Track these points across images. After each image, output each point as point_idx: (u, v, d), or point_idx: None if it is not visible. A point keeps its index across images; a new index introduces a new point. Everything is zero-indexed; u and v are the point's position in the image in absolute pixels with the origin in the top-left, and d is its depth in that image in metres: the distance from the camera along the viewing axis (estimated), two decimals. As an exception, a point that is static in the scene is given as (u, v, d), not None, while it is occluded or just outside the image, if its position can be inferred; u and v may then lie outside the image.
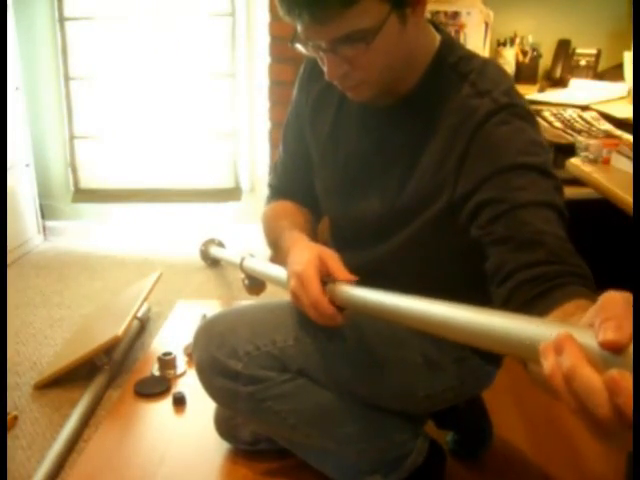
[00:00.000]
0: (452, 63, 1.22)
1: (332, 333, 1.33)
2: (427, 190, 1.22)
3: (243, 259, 2.25)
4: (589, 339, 0.56)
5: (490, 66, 1.25)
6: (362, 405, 1.44)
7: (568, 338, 0.56)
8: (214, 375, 1.40)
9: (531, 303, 0.90)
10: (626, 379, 0.51)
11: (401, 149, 1.26)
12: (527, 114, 1.16)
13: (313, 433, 1.44)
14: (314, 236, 1.43)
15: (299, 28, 1.10)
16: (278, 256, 1.43)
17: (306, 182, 1.50)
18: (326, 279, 1.18)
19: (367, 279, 1.21)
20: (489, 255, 1.05)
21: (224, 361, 1.37)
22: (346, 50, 1.09)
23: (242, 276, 2.21)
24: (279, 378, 1.37)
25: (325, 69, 1.15)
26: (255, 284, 2.08)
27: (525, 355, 0.66)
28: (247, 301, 2.71)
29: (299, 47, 1.16)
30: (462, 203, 1.15)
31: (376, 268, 1.35)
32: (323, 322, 1.19)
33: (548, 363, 0.57)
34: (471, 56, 1.24)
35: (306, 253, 1.23)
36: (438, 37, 1.23)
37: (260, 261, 1.94)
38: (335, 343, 1.37)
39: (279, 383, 1.37)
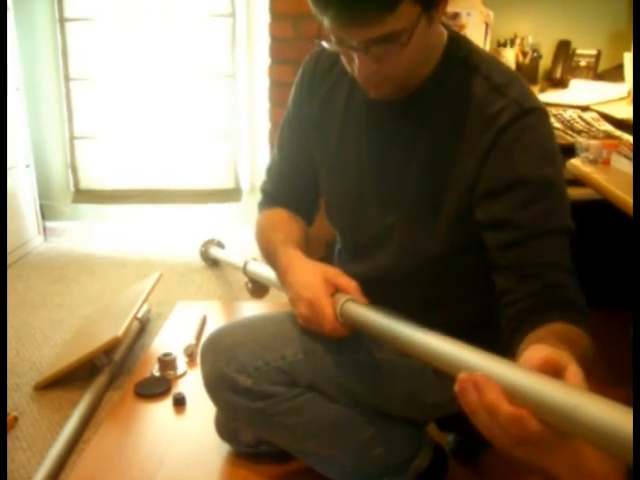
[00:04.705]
0: (462, 57, 1.23)
1: (341, 344, 1.33)
2: (445, 186, 1.23)
3: (246, 263, 2.25)
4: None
5: (496, 60, 1.28)
6: (370, 414, 1.43)
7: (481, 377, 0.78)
8: (223, 390, 1.39)
9: (520, 329, 1.08)
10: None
11: (415, 143, 1.26)
12: (546, 115, 1.20)
13: (322, 443, 1.44)
14: (306, 246, 1.44)
15: (329, 26, 1.08)
16: (274, 271, 1.44)
17: (303, 187, 1.50)
18: (334, 300, 1.22)
19: (377, 286, 1.27)
20: (497, 274, 1.18)
21: (233, 377, 1.35)
22: (378, 50, 1.08)
23: (245, 280, 2.22)
24: (289, 393, 1.36)
25: (353, 67, 1.14)
26: (259, 288, 2.08)
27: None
28: (248, 302, 2.72)
29: (325, 44, 1.15)
30: (479, 201, 1.19)
31: (386, 274, 1.36)
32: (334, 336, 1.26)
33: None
34: (478, 50, 1.26)
35: (310, 275, 1.25)
36: (445, 32, 1.24)
37: (263, 265, 1.93)
38: (345, 354, 1.36)
39: (289, 398, 1.36)
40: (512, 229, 1.15)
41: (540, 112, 1.18)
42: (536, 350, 0.79)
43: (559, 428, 0.71)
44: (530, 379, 0.75)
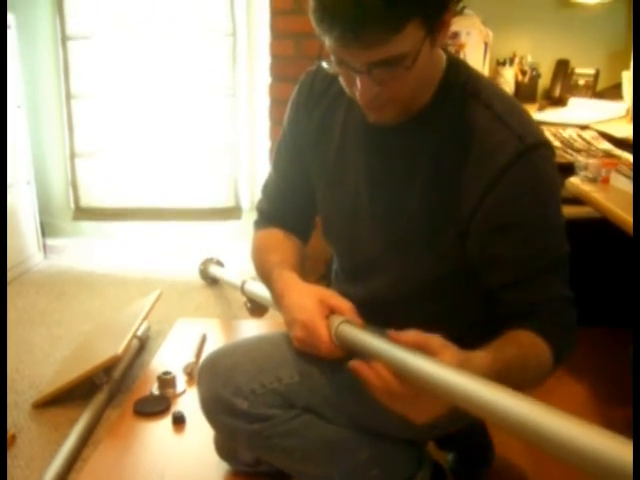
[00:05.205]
0: (461, 82, 1.23)
1: (337, 366, 1.32)
2: (445, 211, 1.23)
3: (244, 282, 2.25)
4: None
5: (495, 86, 1.29)
6: (368, 434, 1.42)
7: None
8: (219, 413, 1.38)
9: None
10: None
11: (414, 167, 1.26)
12: (547, 148, 1.20)
13: (320, 464, 1.43)
14: (302, 266, 1.44)
15: (332, 47, 1.07)
16: (270, 293, 1.44)
17: (299, 206, 1.50)
18: (329, 322, 1.23)
19: (375, 306, 1.29)
20: (495, 307, 1.26)
21: (229, 400, 1.35)
22: (381, 73, 1.08)
23: (244, 299, 2.21)
24: (285, 416, 1.35)
25: (353, 90, 1.14)
26: (258, 307, 2.07)
27: None
28: (247, 321, 2.71)
29: (325, 65, 1.16)
30: (475, 231, 1.21)
31: (384, 295, 1.36)
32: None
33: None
34: (477, 75, 1.27)
35: (305, 298, 1.26)
36: (444, 56, 1.24)
37: (260, 285, 1.93)
38: (341, 376, 1.35)
39: (285, 420, 1.35)
40: (508, 270, 1.21)
41: (542, 147, 1.18)
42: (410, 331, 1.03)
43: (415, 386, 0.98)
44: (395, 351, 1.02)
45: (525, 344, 1.15)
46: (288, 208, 1.52)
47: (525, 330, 1.17)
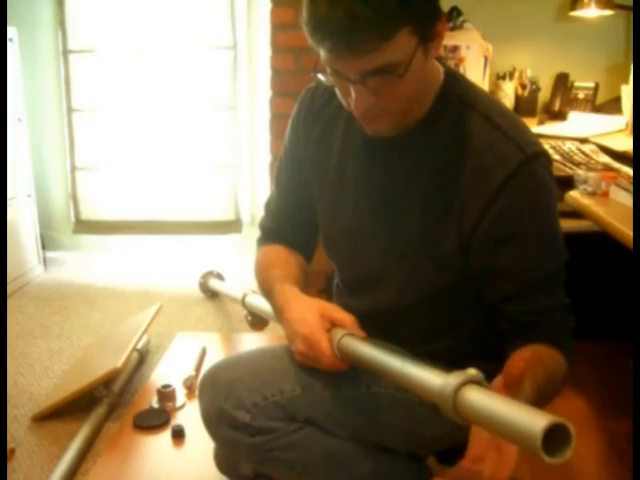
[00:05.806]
0: (459, 94, 1.23)
1: (339, 379, 1.32)
2: (446, 222, 1.23)
3: (245, 295, 2.25)
4: None
5: (493, 98, 1.30)
6: (369, 448, 1.42)
7: None
8: (221, 426, 1.37)
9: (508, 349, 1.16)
10: None
11: (414, 180, 1.26)
12: (546, 158, 1.21)
13: (321, 478, 1.42)
14: (304, 281, 1.44)
15: (326, 58, 1.09)
16: (272, 308, 1.44)
17: (301, 223, 1.50)
18: (331, 335, 1.23)
19: (378, 319, 1.29)
20: (497, 320, 1.27)
21: (231, 412, 1.33)
22: (375, 82, 1.09)
23: (245, 312, 2.21)
24: (287, 428, 1.34)
25: (349, 101, 1.15)
26: (258, 320, 2.07)
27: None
28: (247, 334, 2.71)
29: (321, 77, 1.17)
30: (478, 243, 1.21)
31: (387, 307, 1.36)
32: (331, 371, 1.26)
33: None
34: (475, 89, 1.27)
35: (306, 311, 1.26)
36: (441, 68, 1.25)
37: (261, 298, 1.93)
38: (343, 389, 1.35)
39: (287, 433, 1.34)
40: (510, 282, 1.21)
41: (541, 155, 1.19)
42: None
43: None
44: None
45: (547, 362, 1.14)
46: (290, 225, 1.52)
47: (539, 344, 1.16)
